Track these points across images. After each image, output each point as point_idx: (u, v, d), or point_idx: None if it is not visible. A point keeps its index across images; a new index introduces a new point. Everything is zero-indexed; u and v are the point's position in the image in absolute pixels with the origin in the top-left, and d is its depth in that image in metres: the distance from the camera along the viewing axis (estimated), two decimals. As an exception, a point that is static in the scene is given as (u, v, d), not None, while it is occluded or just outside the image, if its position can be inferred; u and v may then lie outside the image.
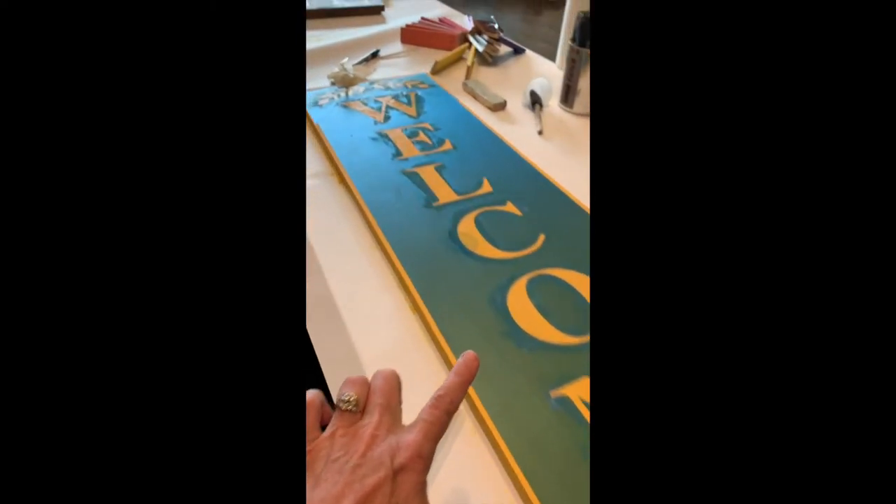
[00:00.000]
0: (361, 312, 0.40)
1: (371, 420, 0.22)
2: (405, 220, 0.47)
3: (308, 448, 0.21)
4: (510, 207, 0.50)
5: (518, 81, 0.80)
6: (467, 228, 0.47)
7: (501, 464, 0.30)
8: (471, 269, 0.42)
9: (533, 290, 0.40)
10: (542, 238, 0.46)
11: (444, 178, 0.54)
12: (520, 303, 0.39)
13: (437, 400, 0.23)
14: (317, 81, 0.76)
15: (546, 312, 0.38)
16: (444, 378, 0.37)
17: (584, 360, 0.35)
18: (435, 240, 0.45)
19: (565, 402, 0.32)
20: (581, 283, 0.41)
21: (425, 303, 0.39)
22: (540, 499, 0.27)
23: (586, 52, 0.66)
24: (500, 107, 0.72)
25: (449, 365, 0.35)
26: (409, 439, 0.21)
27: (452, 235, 0.46)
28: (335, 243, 0.46)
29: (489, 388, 0.33)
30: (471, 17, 0.98)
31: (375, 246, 0.46)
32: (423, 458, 0.21)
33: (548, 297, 0.40)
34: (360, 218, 0.50)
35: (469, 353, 0.25)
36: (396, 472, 0.20)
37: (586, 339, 0.37)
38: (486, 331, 0.37)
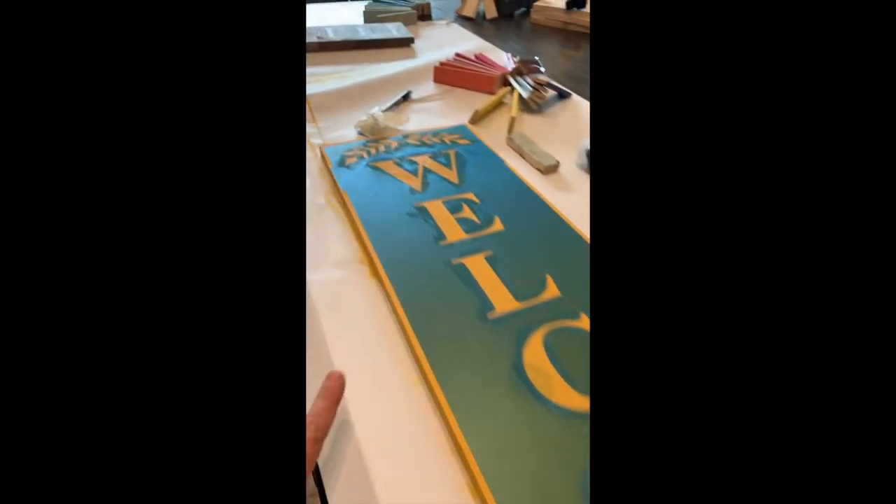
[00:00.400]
0: (396, 470, 0.30)
1: None
2: (455, 339, 0.38)
3: None
4: (586, 323, 0.40)
5: (567, 133, 0.71)
6: (536, 357, 0.37)
7: None
8: (548, 426, 0.32)
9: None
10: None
11: (497, 275, 0.44)
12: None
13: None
14: (343, 131, 0.67)
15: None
16: None
17: None
18: (496, 374, 0.35)
19: None
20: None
21: (487, 479, 0.29)
22: None
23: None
24: (552, 169, 0.62)
25: None
26: None
27: (518, 368, 0.36)
28: (364, 363, 0.37)
29: None
30: (511, 56, 0.89)
31: (419, 379, 0.36)
32: None
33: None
34: (396, 328, 0.40)
35: (333, 373, 0.24)
36: None
37: None
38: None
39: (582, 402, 0.34)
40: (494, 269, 0.44)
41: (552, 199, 0.55)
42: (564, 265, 0.45)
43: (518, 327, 0.39)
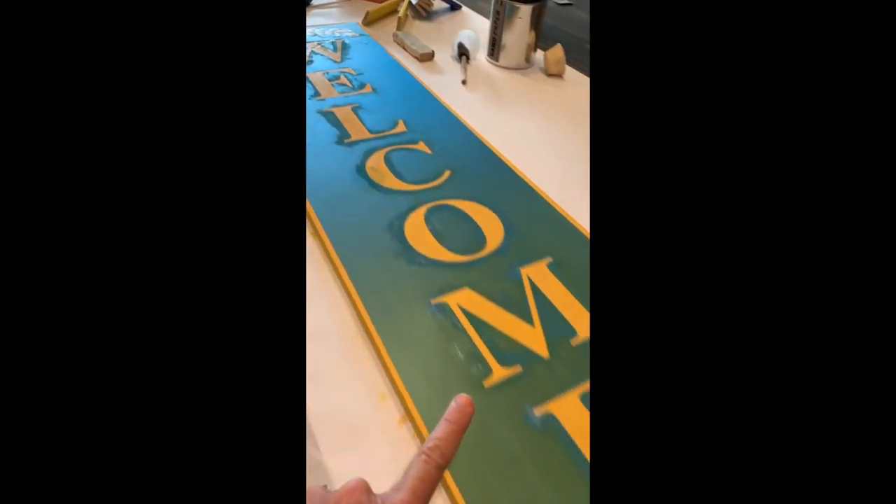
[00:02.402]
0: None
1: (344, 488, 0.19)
2: (314, 156, 0.48)
3: None
4: (421, 146, 0.51)
5: (451, 36, 0.81)
6: (376, 164, 0.48)
7: (377, 357, 0.32)
8: (374, 200, 0.44)
9: (430, 217, 0.43)
10: (447, 174, 0.48)
11: (359, 118, 0.54)
12: (416, 228, 0.41)
13: (429, 452, 0.20)
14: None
15: (440, 236, 0.41)
16: (340, 302, 0.39)
17: (468, 274, 0.38)
18: (343, 173, 0.47)
19: (443, 308, 0.35)
20: (476, 211, 0.44)
21: (325, 229, 0.40)
22: (405, 382, 0.30)
23: (511, 4, 0.68)
24: (427, 57, 0.72)
25: (347, 293, 0.37)
26: (398, 499, 0.19)
27: (360, 170, 0.47)
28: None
29: (375, 298, 0.35)
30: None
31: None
32: None
33: (444, 223, 0.42)
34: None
35: (462, 398, 0.21)
36: None
37: (473, 256, 0.39)
38: (380, 252, 0.39)
39: (401, 186, 0.46)
40: (358, 115, 0.55)
41: (424, 78, 0.65)
42: (417, 115, 0.56)
43: (367, 148, 0.50)
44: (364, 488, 0.19)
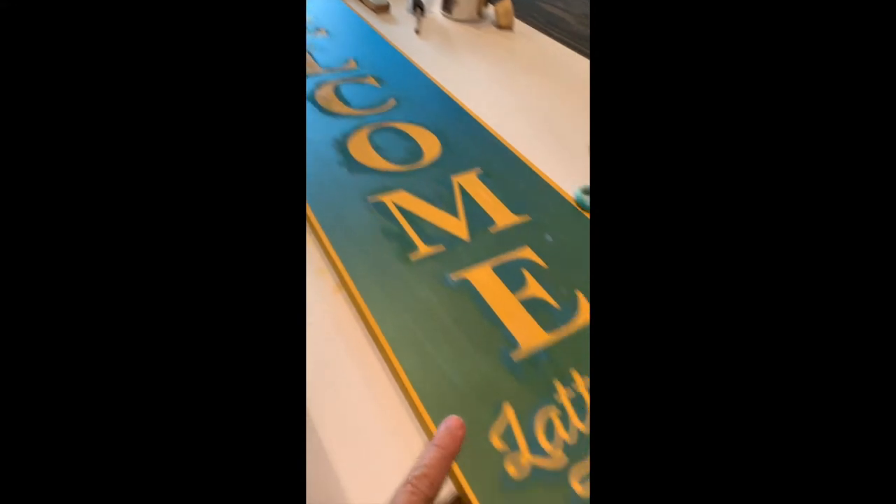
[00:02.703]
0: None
1: None
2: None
3: None
4: (370, 80, 0.55)
5: (407, -9, 0.84)
6: (325, 94, 0.52)
7: (317, 241, 0.37)
8: (320, 122, 0.48)
9: (373, 136, 0.47)
10: (392, 102, 0.52)
11: (312, 57, 0.58)
12: (360, 145, 0.45)
13: (416, 483, 0.18)
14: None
15: (381, 150, 0.45)
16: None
17: (405, 180, 0.42)
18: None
19: (380, 205, 0.39)
20: (417, 132, 0.48)
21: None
22: (340, 257, 0.34)
23: (460, -44, 0.71)
24: (383, 8, 0.75)
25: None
26: None
27: (310, 98, 0.51)
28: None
29: (317, 196, 0.39)
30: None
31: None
32: None
33: (386, 140, 0.46)
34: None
35: (452, 419, 0.20)
36: None
37: (411, 167, 0.43)
38: (324, 162, 0.43)
39: (348, 111, 0.49)
40: (311, 54, 0.58)
41: (379, 27, 0.68)
42: (368, 55, 0.60)
43: (317, 81, 0.54)
44: None
